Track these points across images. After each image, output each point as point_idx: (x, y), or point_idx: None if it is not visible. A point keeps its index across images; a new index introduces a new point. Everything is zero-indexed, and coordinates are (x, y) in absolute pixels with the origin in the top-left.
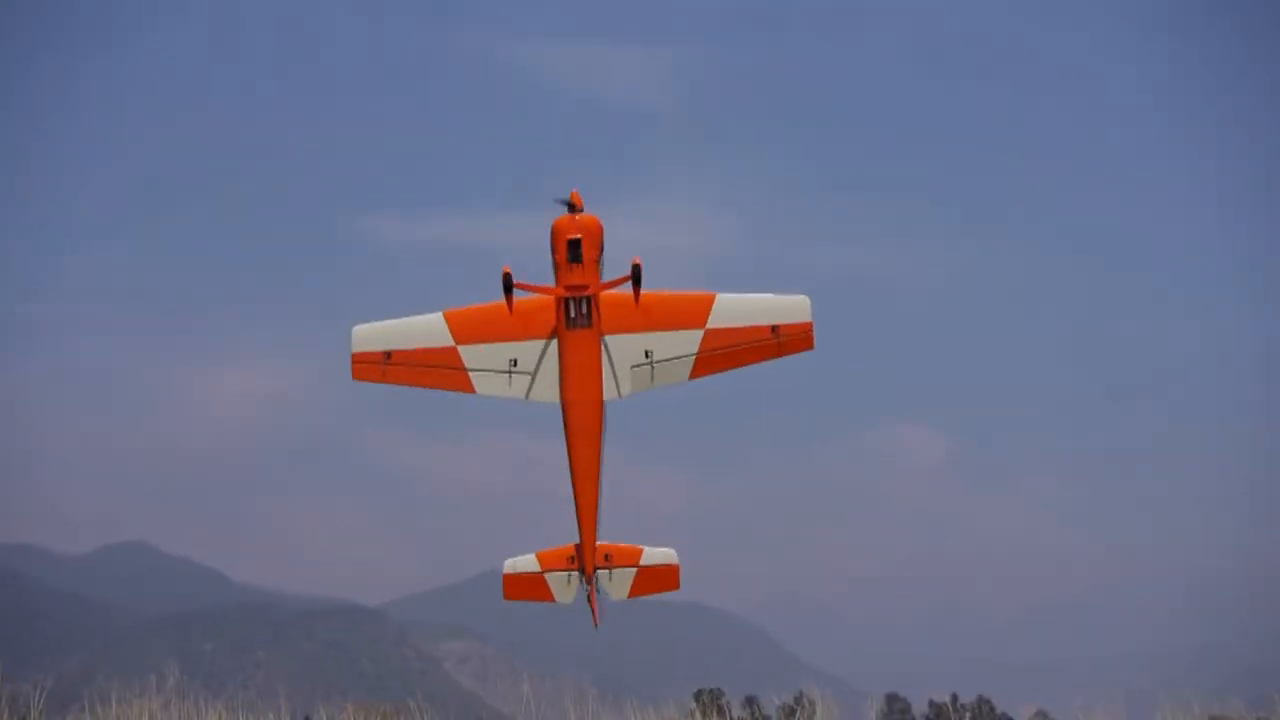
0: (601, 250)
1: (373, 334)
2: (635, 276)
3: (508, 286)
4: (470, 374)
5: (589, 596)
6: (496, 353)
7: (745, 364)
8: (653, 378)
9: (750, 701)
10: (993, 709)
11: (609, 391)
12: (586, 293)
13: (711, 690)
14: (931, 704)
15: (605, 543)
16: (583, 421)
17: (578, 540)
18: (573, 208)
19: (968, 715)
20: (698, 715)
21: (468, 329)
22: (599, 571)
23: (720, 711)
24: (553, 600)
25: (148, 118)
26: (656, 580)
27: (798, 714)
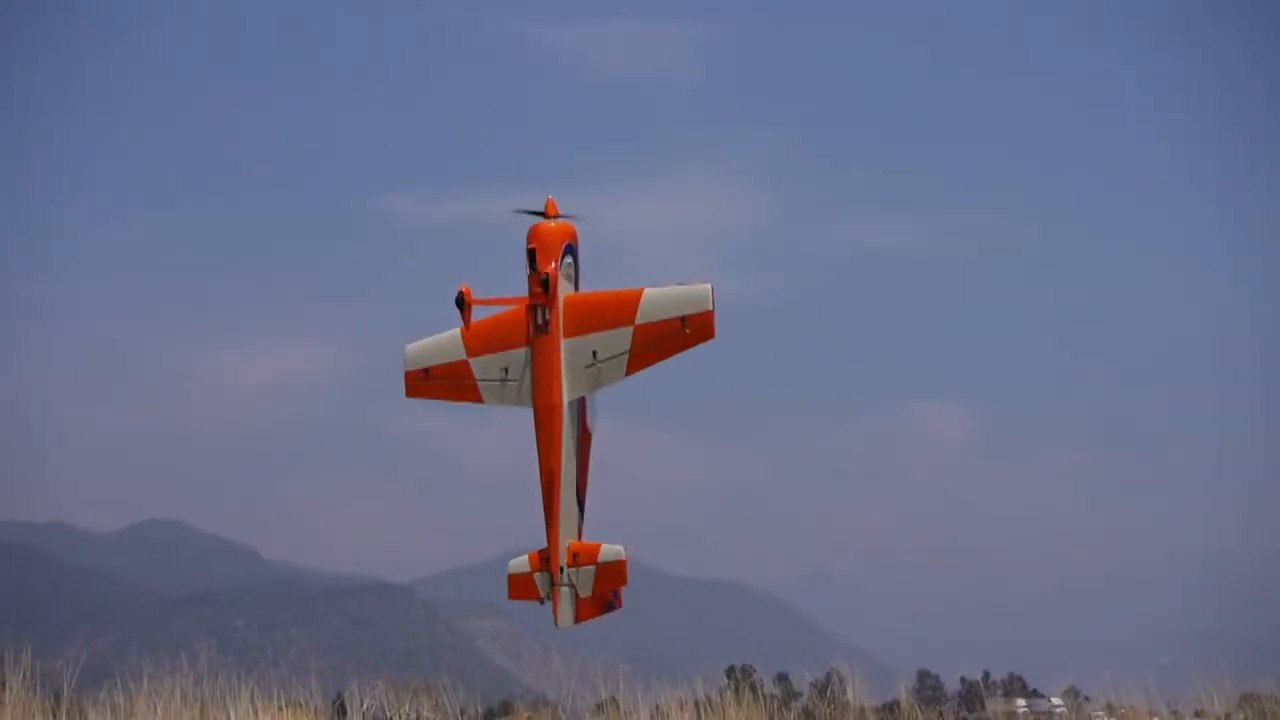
0: (568, 255)
1: (419, 352)
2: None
3: (460, 304)
4: (478, 384)
5: (551, 595)
6: (493, 363)
7: (665, 357)
8: (598, 378)
9: (782, 678)
10: (1024, 686)
11: (567, 395)
12: (543, 300)
13: (743, 667)
14: (963, 681)
15: (579, 540)
16: (546, 427)
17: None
18: (545, 216)
19: (999, 692)
20: (729, 692)
21: (476, 341)
22: (567, 569)
23: (752, 688)
24: (540, 599)
25: (148, 117)
26: (611, 576)
27: (829, 690)
